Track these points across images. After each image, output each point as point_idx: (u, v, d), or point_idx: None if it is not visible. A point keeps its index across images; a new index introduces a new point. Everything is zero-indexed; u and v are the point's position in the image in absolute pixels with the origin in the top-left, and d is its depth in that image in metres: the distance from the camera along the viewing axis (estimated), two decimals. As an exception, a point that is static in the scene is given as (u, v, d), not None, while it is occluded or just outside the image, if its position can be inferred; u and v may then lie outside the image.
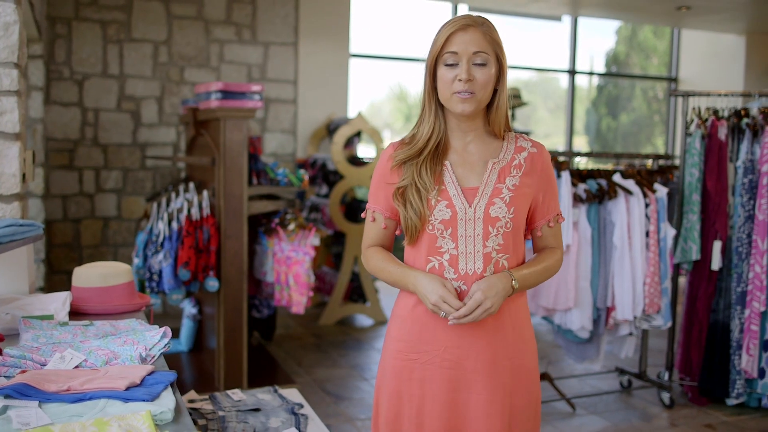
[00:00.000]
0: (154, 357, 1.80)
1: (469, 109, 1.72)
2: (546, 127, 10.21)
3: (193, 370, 4.50)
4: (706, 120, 4.18)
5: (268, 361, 4.59)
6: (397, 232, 1.85)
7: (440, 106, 1.79)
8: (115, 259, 5.92)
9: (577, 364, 4.76)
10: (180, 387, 3.46)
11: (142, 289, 3.96)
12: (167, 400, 1.48)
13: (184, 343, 4.76)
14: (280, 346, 5.26)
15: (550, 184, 1.84)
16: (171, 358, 4.65)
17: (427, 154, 1.77)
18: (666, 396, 4.17)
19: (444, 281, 1.71)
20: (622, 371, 4.54)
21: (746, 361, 3.98)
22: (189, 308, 4.74)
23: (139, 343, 1.81)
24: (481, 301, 1.67)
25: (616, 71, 10.09)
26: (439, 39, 1.73)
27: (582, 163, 7.91)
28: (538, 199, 1.82)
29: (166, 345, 1.87)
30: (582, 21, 8.54)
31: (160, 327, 1.95)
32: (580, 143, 10.02)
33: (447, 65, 1.72)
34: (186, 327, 4.76)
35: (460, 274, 1.74)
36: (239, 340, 3.92)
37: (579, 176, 3.98)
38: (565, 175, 3.80)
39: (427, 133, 1.77)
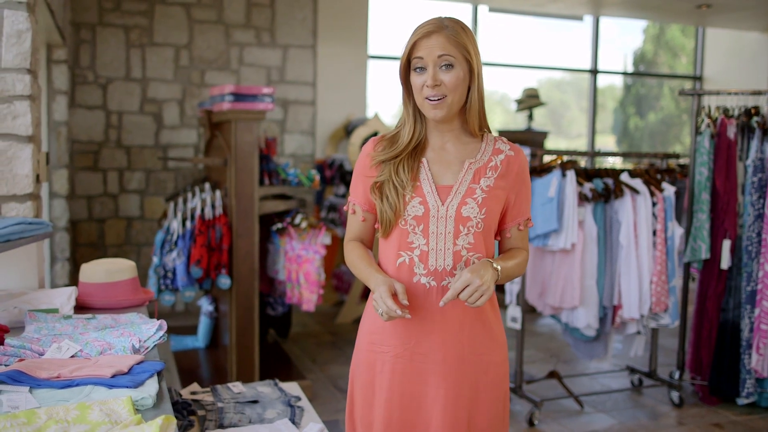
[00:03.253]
0: (147, 348, 1.89)
1: (441, 114, 1.77)
2: (578, 126, 10.13)
3: (209, 366, 4.62)
4: (716, 119, 4.18)
5: (282, 358, 4.68)
6: (376, 226, 1.89)
7: (418, 109, 1.84)
8: (137, 259, 6.07)
9: (586, 361, 4.78)
10: (195, 381, 3.57)
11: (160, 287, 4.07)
12: (150, 387, 1.56)
13: (201, 340, 4.88)
14: (295, 343, 5.35)
15: (524, 188, 1.88)
16: (188, 354, 4.78)
17: (405, 154, 1.82)
18: (675, 395, 4.16)
19: (392, 284, 1.69)
20: (632, 370, 4.55)
21: (756, 361, 3.97)
22: (206, 306, 4.86)
23: (134, 335, 1.91)
24: (470, 281, 1.64)
25: (643, 70, 10.01)
26: (407, 46, 1.78)
27: (611, 163, 7.86)
28: (510, 200, 1.86)
29: (160, 338, 1.96)
30: (610, 20, 8.50)
31: (157, 321, 2.04)
32: (610, 143, 9.95)
33: (416, 71, 1.77)
34: (203, 324, 4.88)
35: (429, 269, 1.79)
36: (251, 337, 4.01)
37: (585, 175, 4.00)
38: (570, 175, 3.83)
39: (408, 136, 1.83)
